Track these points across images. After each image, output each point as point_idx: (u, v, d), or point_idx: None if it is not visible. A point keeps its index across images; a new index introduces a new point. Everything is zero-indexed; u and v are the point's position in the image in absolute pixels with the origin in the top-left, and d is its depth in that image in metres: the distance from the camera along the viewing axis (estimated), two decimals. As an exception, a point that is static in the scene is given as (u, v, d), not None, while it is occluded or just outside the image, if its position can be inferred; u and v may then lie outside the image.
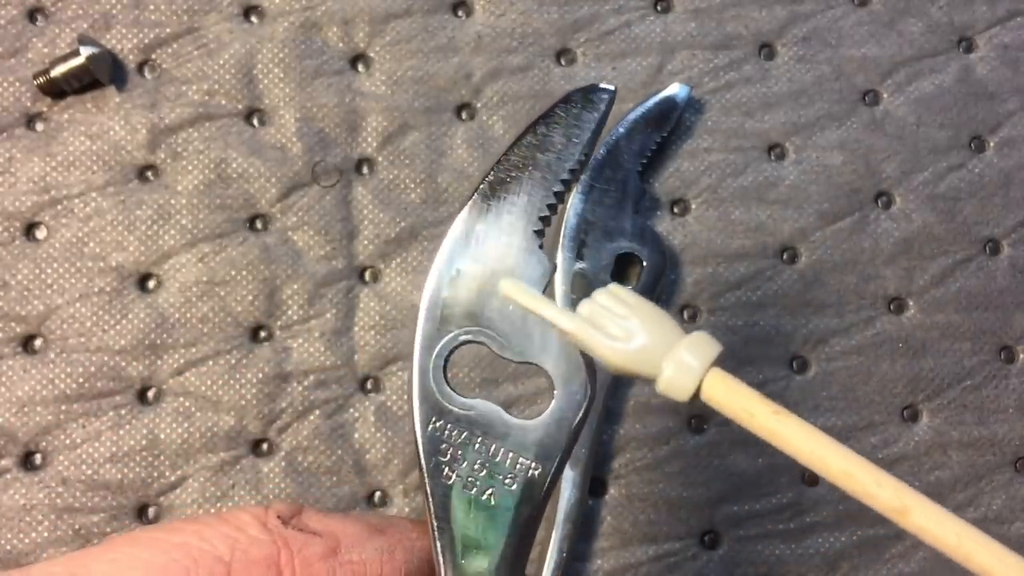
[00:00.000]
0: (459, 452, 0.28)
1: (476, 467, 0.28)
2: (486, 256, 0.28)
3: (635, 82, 0.47)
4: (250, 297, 0.44)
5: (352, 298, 0.45)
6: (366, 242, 0.45)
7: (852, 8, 0.49)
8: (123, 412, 0.43)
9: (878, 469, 0.26)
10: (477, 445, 0.28)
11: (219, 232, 0.45)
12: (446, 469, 0.28)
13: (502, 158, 0.29)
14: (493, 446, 0.28)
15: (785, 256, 0.47)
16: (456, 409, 0.28)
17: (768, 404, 0.26)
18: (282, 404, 0.44)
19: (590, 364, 0.28)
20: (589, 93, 0.29)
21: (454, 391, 0.28)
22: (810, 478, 0.45)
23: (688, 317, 0.46)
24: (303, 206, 0.45)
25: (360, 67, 0.46)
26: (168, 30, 0.46)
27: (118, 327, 0.43)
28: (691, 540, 0.44)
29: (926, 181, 0.48)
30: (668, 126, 0.46)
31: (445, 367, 0.28)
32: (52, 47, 0.45)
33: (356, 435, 0.44)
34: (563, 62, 0.47)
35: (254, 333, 0.44)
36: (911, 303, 0.47)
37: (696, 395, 0.27)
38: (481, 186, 0.28)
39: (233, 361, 0.44)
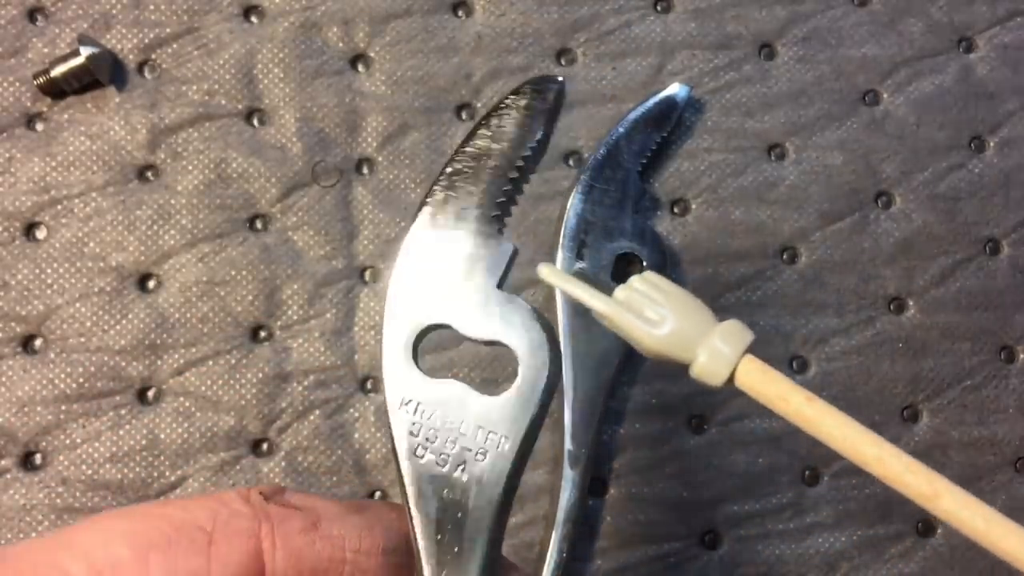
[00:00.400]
0: (430, 431, 0.28)
1: (448, 444, 0.28)
2: (448, 243, 0.29)
3: (635, 82, 0.47)
4: (250, 297, 0.44)
5: (352, 298, 0.45)
6: (366, 242, 0.45)
7: (852, 8, 0.49)
8: (123, 412, 0.43)
9: (908, 456, 0.26)
10: (447, 424, 0.28)
11: (219, 232, 0.45)
12: (418, 448, 0.28)
13: (458, 149, 0.30)
14: (463, 423, 0.28)
15: (785, 256, 0.47)
16: (425, 390, 0.29)
17: (801, 391, 0.27)
18: (282, 404, 0.44)
19: (553, 339, 0.29)
20: (538, 84, 0.31)
21: (424, 373, 0.29)
22: (810, 478, 0.45)
23: (688, 317, 0.46)
24: (303, 206, 0.45)
25: (360, 67, 0.46)
26: (168, 30, 0.46)
27: (118, 327, 0.43)
28: (691, 540, 0.44)
29: (926, 181, 0.48)
30: (668, 126, 0.46)
31: (415, 351, 0.29)
32: (52, 47, 0.45)
33: (356, 435, 0.44)
34: (563, 62, 0.47)
35: (254, 333, 0.44)
36: (911, 303, 0.47)
37: (730, 381, 0.28)
38: (440, 177, 0.30)
39: (233, 361, 0.44)
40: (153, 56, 0.46)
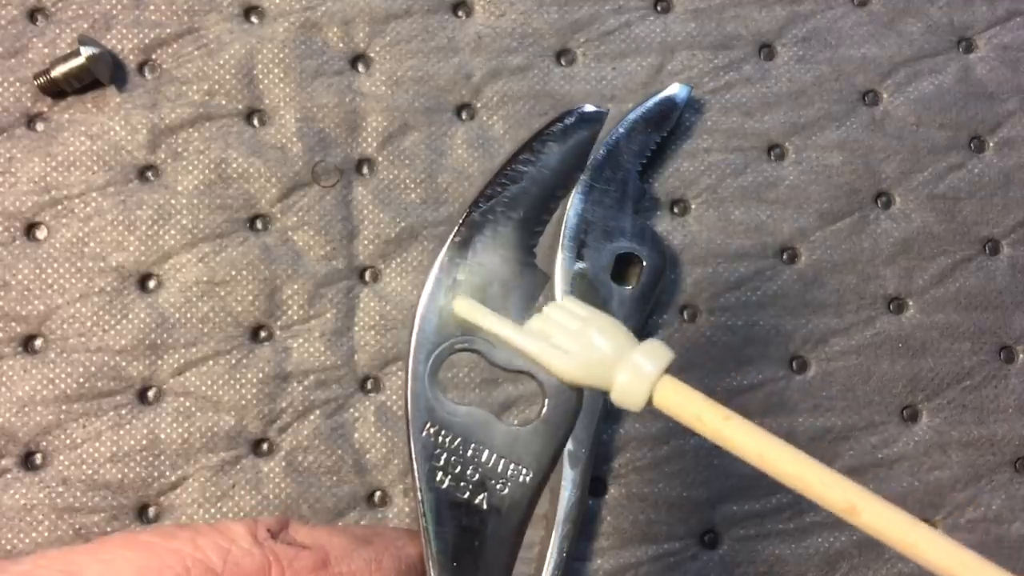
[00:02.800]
0: (452, 457, 0.28)
1: (469, 472, 0.28)
2: (483, 267, 0.29)
3: (635, 82, 0.47)
4: (250, 297, 0.44)
5: (352, 298, 0.45)
6: (366, 242, 0.45)
7: (852, 8, 0.49)
8: (123, 412, 0.43)
9: (827, 470, 0.26)
10: (470, 451, 0.28)
11: (219, 232, 0.45)
12: (439, 474, 0.28)
13: (499, 171, 0.29)
14: (485, 452, 0.28)
15: (785, 256, 0.47)
16: (449, 415, 0.28)
17: (719, 410, 0.27)
18: (282, 404, 0.44)
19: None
20: (584, 113, 0.30)
21: (448, 399, 0.29)
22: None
23: (688, 317, 0.46)
24: (303, 206, 0.45)
25: (360, 67, 0.46)
26: (168, 30, 0.46)
27: (118, 327, 0.44)
28: (691, 540, 0.44)
29: (926, 181, 0.48)
30: (668, 126, 0.46)
31: (438, 374, 0.29)
32: (52, 47, 0.45)
33: (356, 435, 0.44)
34: (563, 62, 0.47)
35: (254, 333, 0.44)
36: (911, 303, 0.47)
37: (649, 403, 0.27)
38: (479, 198, 0.29)
39: (233, 361, 0.44)
40: (153, 56, 0.46)
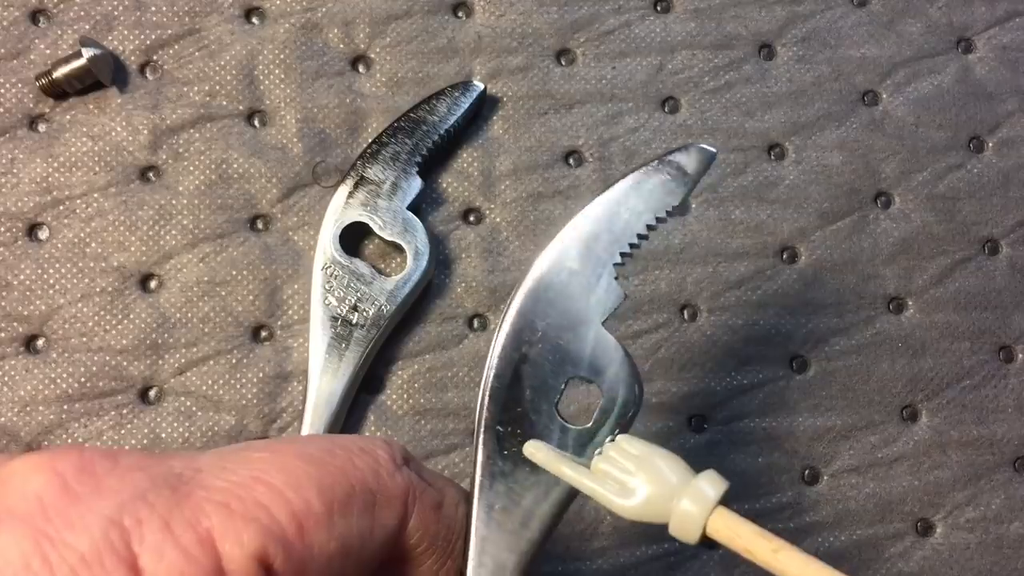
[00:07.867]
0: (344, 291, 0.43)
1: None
2: (381, 172, 0.43)
3: (635, 82, 0.47)
4: (251, 297, 0.44)
5: (353, 298, 0.45)
6: (366, 242, 0.45)
7: (851, 9, 0.49)
8: (124, 411, 0.43)
9: None
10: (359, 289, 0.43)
11: (220, 232, 0.45)
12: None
13: (404, 114, 0.44)
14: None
15: (785, 256, 0.47)
16: (343, 262, 0.42)
17: (770, 541, 0.28)
18: (283, 403, 0.44)
19: (425, 238, 0.43)
20: (466, 85, 0.45)
21: (349, 256, 0.42)
22: (809, 477, 0.45)
23: (688, 316, 0.46)
24: (304, 206, 0.45)
25: (361, 68, 0.47)
26: (169, 31, 0.46)
27: (120, 327, 0.44)
28: (691, 539, 0.44)
29: (925, 181, 0.48)
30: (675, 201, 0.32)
31: (343, 242, 0.41)
32: (54, 48, 0.45)
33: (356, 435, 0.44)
34: (563, 62, 0.47)
35: (255, 333, 0.44)
36: (910, 303, 0.47)
37: (706, 538, 0.29)
38: (387, 129, 0.44)
39: (234, 361, 0.44)
40: (155, 57, 0.46)
